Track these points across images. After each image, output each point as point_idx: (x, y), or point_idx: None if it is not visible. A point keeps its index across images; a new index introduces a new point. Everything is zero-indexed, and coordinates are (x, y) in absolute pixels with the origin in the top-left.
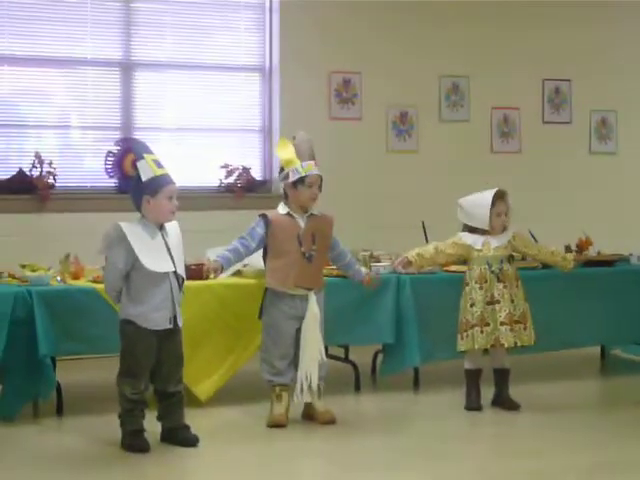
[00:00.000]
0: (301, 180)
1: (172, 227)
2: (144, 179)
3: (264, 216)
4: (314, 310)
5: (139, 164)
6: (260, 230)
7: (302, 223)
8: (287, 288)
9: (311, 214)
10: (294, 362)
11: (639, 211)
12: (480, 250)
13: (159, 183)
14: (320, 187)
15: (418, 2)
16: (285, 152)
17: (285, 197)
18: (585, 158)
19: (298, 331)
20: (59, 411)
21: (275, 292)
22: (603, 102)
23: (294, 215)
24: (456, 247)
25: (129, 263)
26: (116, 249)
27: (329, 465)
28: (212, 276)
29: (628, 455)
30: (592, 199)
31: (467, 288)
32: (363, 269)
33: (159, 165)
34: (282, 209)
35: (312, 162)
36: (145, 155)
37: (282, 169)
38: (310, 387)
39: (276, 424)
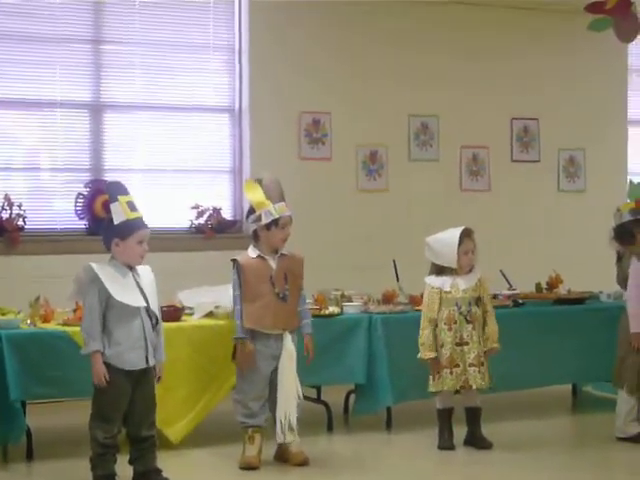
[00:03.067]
0: (275, 222)
1: (144, 270)
2: (116, 222)
3: (235, 261)
4: (290, 348)
5: (112, 206)
6: (237, 278)
7: (274, 264)
8: (263, 328)
9: (281, 254)
10: (268, 403)
11: (608, 249)
12: (449, 292)
13: (130, 227)
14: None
15: (386, 42)
16: (255, 194)
17: (255, 239)
18: (554, 196)
19: (272, 372)
20: (29, 456)
21: (250, 332)
22: (571, 141)
23: (265, 257)
24: (433, 294)
25: (103, 301)
26: (91, 290)
27: None
28: (249, 349)
29: None
30: (561, 237)
31: (436, 330)
32: (308, 329)
33: (133, 208)
34: (252, 252)
35: (283, 203)
36: (119, 197)
37: (251, 211)
38: (290, 426)
39: (248, 466)
